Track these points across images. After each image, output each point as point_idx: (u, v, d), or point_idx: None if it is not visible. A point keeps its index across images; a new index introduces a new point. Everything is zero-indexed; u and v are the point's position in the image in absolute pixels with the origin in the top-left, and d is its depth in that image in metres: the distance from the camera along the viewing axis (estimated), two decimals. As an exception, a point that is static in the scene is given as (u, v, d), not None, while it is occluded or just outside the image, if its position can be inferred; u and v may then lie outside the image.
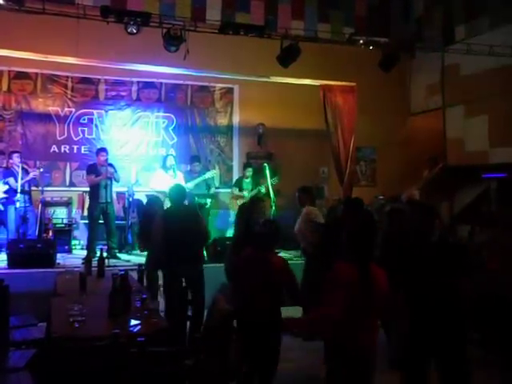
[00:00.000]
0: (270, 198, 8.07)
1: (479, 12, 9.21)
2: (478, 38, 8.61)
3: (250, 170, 8.50)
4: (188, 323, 5.00)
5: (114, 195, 8.27)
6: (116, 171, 7.77)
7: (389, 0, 10.43)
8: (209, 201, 8.23)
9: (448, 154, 9.81)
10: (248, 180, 8.46)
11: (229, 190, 9.05)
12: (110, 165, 7.71)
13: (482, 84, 8.99)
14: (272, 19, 9.47)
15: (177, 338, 3.41)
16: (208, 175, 8.10)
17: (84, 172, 8.17)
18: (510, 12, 8.57)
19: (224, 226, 8.95)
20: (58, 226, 8.07)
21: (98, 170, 7.58)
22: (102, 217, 7.62)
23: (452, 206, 9.22)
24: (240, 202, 7.98)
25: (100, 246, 7.02)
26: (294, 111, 9.36)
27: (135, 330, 3.28)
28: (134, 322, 3.41)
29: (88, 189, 7.87)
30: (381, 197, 9.12)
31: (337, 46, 8.21)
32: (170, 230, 5.11)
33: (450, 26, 9.77)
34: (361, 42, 7.74)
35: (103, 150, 7.86)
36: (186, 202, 6.11)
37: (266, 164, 8.54)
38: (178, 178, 7.86)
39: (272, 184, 8.20)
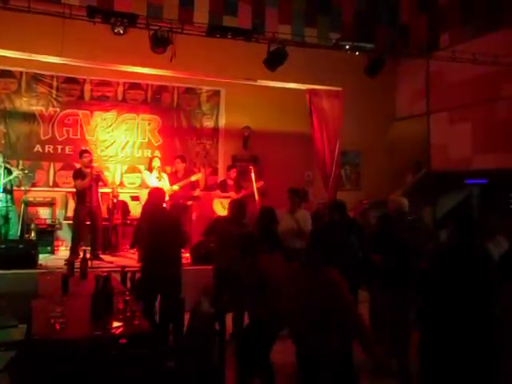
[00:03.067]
0: (255, 200, 8.08)
1: (463, 20, 9.36)
2: (462, 46, 8.74)
3: (235, 171, 8.51)
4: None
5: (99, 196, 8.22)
6: (100, 174, 7.72)
7: (375, 6, 10.53)
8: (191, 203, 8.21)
9: (431, 159, 9.92)
10: (232, 182, 8.46)
11: (213, 192, 9.02)
12: (96, 169, 7.67)
13: (465, 91, 9.13)
14: (259, 23, 9.50)
15: (159, 340, 3.39)
16: (193, 178, 8.09)
17: (68, 173, 8.10)
18: (493, 21, 8.72)
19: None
20: (40, 226, 7.97)
21: (83, 174, 7.53)
22: (89, 218, 7.57)
23: (434, 211, 9.31)
24: (225, 204, 7.99)
25: (83, 248, 6.99)
26: (280, 115, 9.41)
27: (117, 332, 3.26)
28: (115, 324, 3.39)
29: (72, 189, 7.81)
30: (365, 201, 9.19)
31: (323, 50, 8.26)
32: (151, 233, 5.13)
33: (435, 33, 9.90)
34: (347, 47, 7.81)
35: (86, 151, 7.81)
36: (165, 205, 6.12)
37: (251, 167, 8.54)
38: (164, 180, 7.84)
39: (257, 187, 8.21)
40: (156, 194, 5.50)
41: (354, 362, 4.40)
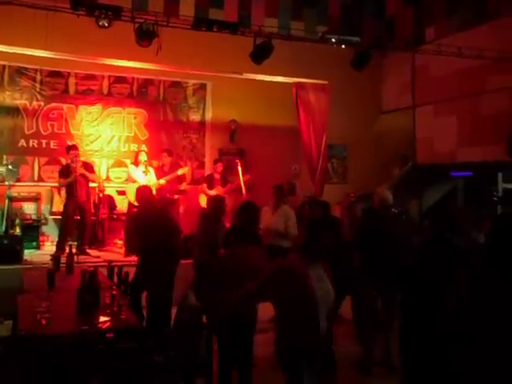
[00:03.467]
0: (242, 194, 8.08)
1: (448, 14, 9.42)
2: (447, 40, 8.80)
3: (221, 165, 8.49)
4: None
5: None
6: (91, 173, 7.67)
7: (361, -1, 10.56)
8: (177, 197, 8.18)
9: (417, 152, 9.99)
10: (218, 176, 8.45)
11: (199, 186, 9.00)
12: (89, 166, 7.60)
13: (450, 85, 9.20)
14: (245, 16, 9.47)
15: (146, 334, 3.39)
16: (180, 172, 8.05)
17: (53, 167, 8.03)
18: (478, 14, 8.79)
19: (194, 222, 8.89)
20: (25, 221, 7.89)
21: (69, 171, 7.47)
22: (78, 213, 7.52)
23: (421, 203, 9.39)
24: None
25: (70, 243, 6.94)
26: (266, 108, 9.40)
27: (104, 326, 3.25)
28: (102, 318, 3.38)
29: (56, 184, 7.75)
30: (352, 194, 9.23)
31: (310, 43, 8.25)
32: (142, 232, 5.13)
33: (421, 26, 9.95)
34: (333, 40, 7.82)
35: (72, 147, 7.74)
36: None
37: (238, 160, 8.53)
38: (150, 174, 7.80)
39: (244, 180, 8.20)
40: (144, 192, 5.49)
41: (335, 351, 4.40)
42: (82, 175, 7.45)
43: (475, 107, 8.85)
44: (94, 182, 8.04)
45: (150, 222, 5.18)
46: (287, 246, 5.92)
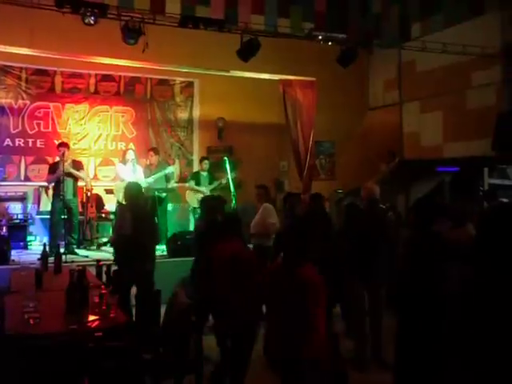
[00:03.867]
0: (230, 191, 8.09)
1: (433, 10, 9.49)
2: (433, 36, 8.87)
3: (207, 162, 8.49)
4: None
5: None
6: (80, 169, 7.61)
7: (347, -4, 10.59)
8: (165, 195, 8.17)
9: (404, 148, 10.08)
10: (205, 174, 8.45)
11: (186, 184, 8.99)
12: (78, 163, 7.56)
13: (436, 81, 9.28)
14: (232, 13, 9.46)
15: (135, 332, 3.39)
16: (168, 171, 8.02)
17: (40, 166, 7.96)
18: (463, 11, 8.87)
19: (183, 220, 8.91)
20: (12, 221, 7.82)
21: (59, 168, 7.40)
22: (65, 212, 7.46)
23: (408, 198, 9.48)
24: (198, 195, 7.99)
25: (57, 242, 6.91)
26: (254, 105, 9.41)
27: (93, 325, 3.25)
28: (91, 317, 3.37)
29: (43, 183, 7.68)
30: (340, 190, 9.29)
31: (296, 41, 8.28)
32: (125, 226, 5.12)
33: (407, 23, 10.02)
34: (320, 37, 7.85)
35: (61, 144, 7.67)
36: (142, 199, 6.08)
37: (226, 158, 8.54)
38: (138, 173, 7.77)
39: (232, 178, 8.21)
40: (134, 188, 5.48)
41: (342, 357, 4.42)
42: (70, 174, 7.38)
43: (461, 103, 8.94)
44: (83, 180, 7.97)
45: (133, 217, 5.17)
46: (268, 245, 5.94)
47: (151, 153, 8.19)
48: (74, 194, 7.57)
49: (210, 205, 5.33)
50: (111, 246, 5.98)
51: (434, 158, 9.24)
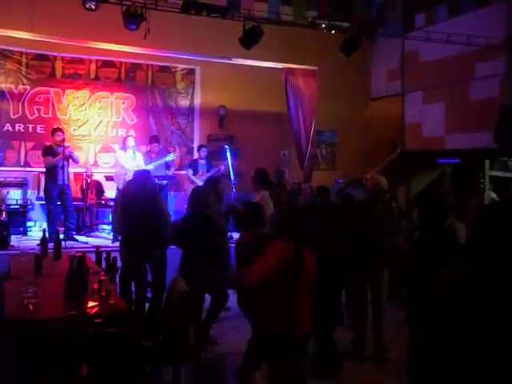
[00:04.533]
0: (230, 179, 8.07)
1: (438, 1, 9.40)
2: (437, 26, 8.80)
3: (205, 150, 8.46)
4: (147, 304, 4.99)
5: (72, 176, 8.10)
6: (73, 153, 7.57)
7: (351, -16, 10.47)
8: (166, 182, 8.15)
9: (406, 138, 10.03)
10: (203, 161, 8.42)
11: (183, 172, 8.96)
12: (67, 148, 7.52)
13: (439, 71, 9.21)
14: (235, 0, 9.36)
15: (134, 319, 3.39)
16: (168, 158, 7.99)
17: (40, 152, 7.90)
18: (467, 2, 8.78)
19: (183, 207, 8.88)
20: (12, 207, 7.82)
21: (54, 151, 7.38)
22: (59, 198, 7.44)
23: (408, 190, 9.46)
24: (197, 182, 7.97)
25: (57, 228, 6.90)
26: (255, 94, 9.35)
27: (92, 311, 3.25)
28: (90, 303, 3.37)
29: (44, 169, 7.65)
30: (340, 180, 9.26)
31: (299, 29, 8.20)
32: (132, 212, 5.08)
33: (411, 12, 9.93)
34: (323, 25, 7.78)
35: (59, 129, 7.64)
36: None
37: (226, 146, 8.51)
38: (138, 160, 7.75)
39: (232, 166, 8.18)
40: (142, 174, 5.44)
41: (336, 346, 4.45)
42: (67, 158, 7.35)
43: (464, 94, 8.89)
44: (77, 165, 7.94)
45: (134, 204, 5.13)
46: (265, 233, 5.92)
47: (152, 141, 8.16)
48: (69, 179, 7.58)
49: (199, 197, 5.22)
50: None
51: (436, 150, 9.20)
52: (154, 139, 8.28)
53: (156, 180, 7.76)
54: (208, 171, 8.28)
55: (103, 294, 3.53)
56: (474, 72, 8.68)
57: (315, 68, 8.58)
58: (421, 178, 9.41)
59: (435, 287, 3.01)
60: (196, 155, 8.97)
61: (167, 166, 8.05)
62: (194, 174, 8.26)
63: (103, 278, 3.75)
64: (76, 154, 8.07)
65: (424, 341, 3.23)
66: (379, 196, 5.03)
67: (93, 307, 3.31)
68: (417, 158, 9.21)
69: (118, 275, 4.67)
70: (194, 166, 8.41)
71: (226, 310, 5.51)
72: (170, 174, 8.17)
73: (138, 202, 5.10)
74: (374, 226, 4.81)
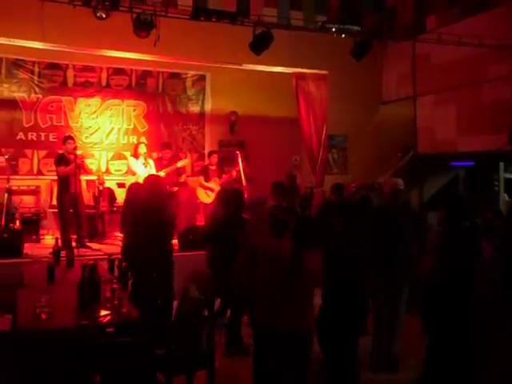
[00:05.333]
0: (241, 185, 8.05)
1: (449, 2, 9.33)
2: (448, 28, 8.72)
3: (215, 156, 8.46)
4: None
5: (84, 184, 8.13)
6: (84, 162, 7.61)
7: (361, -12, 10.44)
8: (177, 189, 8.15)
9: (418, 142, 9.95)
10: (214, 167, 8.41)
11: (195, 178, 8.95)
12: (80, 156, 7.57)
13: (451, 74, 9.13)
14: (244, 6, 9.36)
15: (147, 328, 3.37)
16: (180, 164, 8.00)
17: (52, 160, 7.95)
18: (479, 3, 8.70)
19: (194, 214, 8.89)
20: (25, 215, 7.86)
21: (67, 160, 7.41)
22: (72, 206, 7.47)
23: (421, 193, 9.37)
24: (208, 190, 7.97)
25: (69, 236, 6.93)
26: (266, 99, 9.34)
27: (104, 320, 3.23)
28: (103, 312, 3.36)
29: (56, 177, 7.69)
30: (352, 185, 9.20)
31: (309, 33, 8.17)
32: (139, 219, 5.07)
33: (421, 15, 9.87)
34: (333, 29, 7.74)
35: (70, 137, 7.68)
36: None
37: (238, 152, 8.49)
38: (150, 167, 7.76)
39: (244, 172, 8.17)
40: (154, 181, 5.45)
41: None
42: (78, 167, 7.38)
43: (476, 96, 8.80)
44: (88, 174, 8.00)
45: (140, 211, 5.13)
46: None
47: (164, 148, 8.16)
48: (81, 187, 7.62)
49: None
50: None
51: (449, 153, 9.11)
52: (165, 146, 8.30)
53: (167, 187, 7.79)
54: (219, 177, 8.28)
55: (115, 302, 3.52)
56: (486, 74, 8.59)
57: (326, 72, 8.54)
58: (433, 182, 9.33)
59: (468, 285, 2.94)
60: (207, 161, 8.97)
61: (179, 172, 8.05)
62: (206, 181, 8.26)
63: (115, 286, 3.74)
64: (88, 161, 8.16)
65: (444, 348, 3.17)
66: (397, 198, 4.94)
67: (105, 316, 3.30)
68: (429, 162, 9.13)
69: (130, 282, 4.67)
70: (205, 172, 8.41)
71: None
72: (182, 180, 8.16)
73: (146, 208, 5.10)
74: (395, 230, 4.70)
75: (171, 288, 5.09)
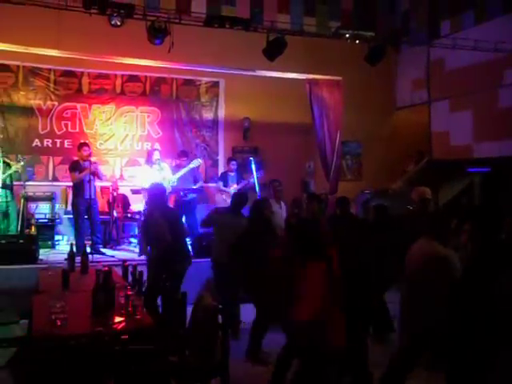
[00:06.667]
0: (256, 192, 8.03)
1: (464, 7, 9.26)
2: (463, 33, 8.66)
3: (235, 163, 8.45)
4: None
5: (98, 190, 8.18)
6: (98, 169, 7.66)
7: (375, -6, 10.42)
8: (194, 195, 8.13)
9: (433, 148, 9.87)
10: (233, 174, 8.41)
11: (214, 185, 8.99)
12: (94, 163, 7.62)
13: (466, 79, 9.05)
14: (258, 12, 9.41)
15: (161, 334, 3.36)
16: (193, 165, 7.92)
17: (67, 167, 8.01)
18: (495, 7, 8.62)
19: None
20: (40, 221, 7.93)
21: (81, 166, 7.47)
22: (86, 212, 7.51)
23: (437, 199, 9.26)
24: (226, 196, 7.95)
25: (84, 242, 6.96)
26: (279, 105, 9.34)
27: (119, 327, 3.22)
28: (117, 319, 3.35)
29: (71, 184, 7.75)
30: (366, 191, 9.14)
31: (323, 39, 8.16)
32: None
33: (436, 20, 9.81)
34: (347, 35, 7.72)
35: (85, 144, 7.74)
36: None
37: (251, 158, 8.49)
38: (165, 171, 7.78)
39: (257, 178, 8.16)
40: (155, 189, 5.47)
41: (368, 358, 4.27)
42: (93, 173, 7.44)
43: (492, 101, 8.70)
44: (105, 179, 8.06)
45: (159, 222, 5.15)
46: None
47: (183, 158, 8.13)
48: (95, 193, 7.66)
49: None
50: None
51: (464, 158, 9.01)
52: (183, 154, 8.27)
53: (181, 193, 7.79)
54: (238, 183, 8.28)
55: (130, 309, 3.50)
56: (502, 79, 8.50)
57: (339, 78, 8.52)
58: (449, 188, 9.21)
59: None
60: (221, 167, 8.98)
61: (195, 179, 8.03)
62: (225, 186, 8.26)
63: (130, 292, 3.73)
64: (102, 167, 8.22)
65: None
66: (425, 206, 4.87)
67: (119, 323, 3.29)
68: (444, 167, 9.03)
69: (144, 289, 4.68)
70: (224, 178, 8.41)
71: None
72: (198, 186, 8.14)
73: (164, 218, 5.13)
74: None
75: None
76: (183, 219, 7.05)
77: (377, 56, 7.78)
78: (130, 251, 7.88)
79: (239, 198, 5.71)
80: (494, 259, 2.98)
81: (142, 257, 6.68)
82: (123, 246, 8.28)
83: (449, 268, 3.46)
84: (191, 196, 8.02)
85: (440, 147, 9.75)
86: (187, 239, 5.93)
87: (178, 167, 8.07)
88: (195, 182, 8.05)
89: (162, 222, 5.11)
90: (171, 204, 7.51)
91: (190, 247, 5.75)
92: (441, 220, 3.84)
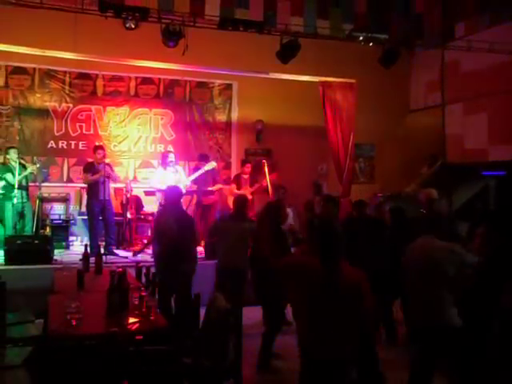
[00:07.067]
0: (268, 194, 8.04)
1: (479, 9, 9.18)
2: (478, 35, 8.59)
3: (249, 166, 8.46)
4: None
5: (112, 191, 8.24)
6: (112, 172, 7.72)
7: (388, -4, 10.37)
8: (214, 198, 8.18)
9: (447, 151, 9.80)
10: (246, 176, 8.43)
11: (227, 187, 9.00)
12: (108, 165, 7.67)
13: (481, 81, 8.98)
14: (271, 15, 9.40)
15: (174, 336, 3.38)
16: (207, 167, 7.95)
17: (82, 168, 8.11)
18: (510, 9, 8.55)
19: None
20: (55, 222, 8.01)
21: (95, 168, 7.54)
22: (101, 213, 7.58)
23: (450, 204, 9.19)
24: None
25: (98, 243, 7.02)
26: (293, 108, 9.34)
27: (133, 328, 3.25)
28: (131, 319, 3.38)
29: (86, 185, 7.82)
30: (379, 194, 9.10)
31: (336, 42, 8.16)
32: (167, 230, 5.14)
33: (450, 22, 9.74)
34: (360, 38, 7.73)
35: (100, 147, 7.82)
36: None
37: (264, 160, 8.50)
38: (180, 174, 7.81)
39: (270, 180, 8.17)
40: (172, 191, 5.50)
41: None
42: (108, 175, 7.51)
43: (507, 104, 8.62)
44: (119, 181, 8.13)
45: (167, 224, 5.19)
46: None
47: (202, 162, 8.13)
48: (110, 195, 7.73)
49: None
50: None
51: (479, 162, 8.93)
52: (203, 157, 8.30)
53: (201, 197, 7.84)
54: (251, 186, 8.30)
55: (144, 310, 3.53)
56: (518, 81, 8.42)
57: (353, 81, 8.50)
58: (463, 192, 9.14)
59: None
60: (234, 170, 8.99)
61: (213, 179, 8.08)
62: (238, 189, 8.28)
63: (144, 293, 3.76)
64: (116, 169, 8.28)
65: None
66: (432, 207, 4.89)
67: (134, 323, 3.32)
68: (458, 171, 8.96)
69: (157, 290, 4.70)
70: (237, 180, 8.43)
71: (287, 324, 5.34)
72: (216, 189, 8.17)
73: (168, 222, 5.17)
74: None
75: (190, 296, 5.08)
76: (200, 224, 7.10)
77: (391, 58, 7.76)
78: (143, 252, 7.91)
79: (241, 202, 5.66)
80: (509, 262, 2.97)
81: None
82: (136, 247, 8.29)
83: (457, 259, 3.36)
84: (210, 198, 8.05)
85: (454, 150, 9.69)
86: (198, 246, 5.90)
87: (195, 170, 8.10)
88: (214, 184, 8.10)
89: (173, 220, 5.16)
90: (191, 206, 7.58)
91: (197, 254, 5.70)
92: (440, 220, 3.80)
